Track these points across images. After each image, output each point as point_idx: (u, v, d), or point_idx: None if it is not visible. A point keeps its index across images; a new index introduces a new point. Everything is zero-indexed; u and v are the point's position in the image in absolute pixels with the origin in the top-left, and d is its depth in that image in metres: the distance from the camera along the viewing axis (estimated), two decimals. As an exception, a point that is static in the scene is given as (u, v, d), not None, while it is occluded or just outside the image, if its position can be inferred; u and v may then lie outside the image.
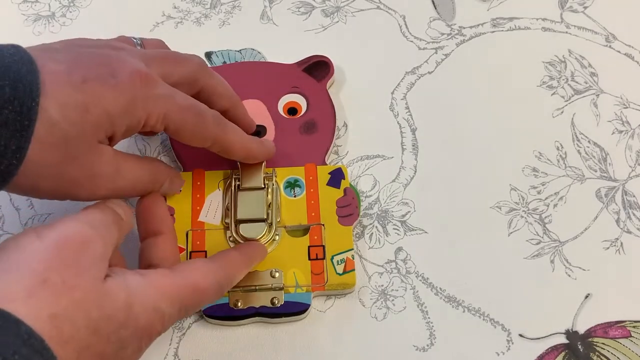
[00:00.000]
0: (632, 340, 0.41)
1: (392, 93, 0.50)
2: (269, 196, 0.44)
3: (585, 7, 0.54)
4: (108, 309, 0.30)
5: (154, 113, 0.37)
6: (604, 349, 0.41)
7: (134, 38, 0.42)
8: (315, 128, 0.47)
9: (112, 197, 0.38)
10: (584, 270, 0.43)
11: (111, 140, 0.37)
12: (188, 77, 0.40)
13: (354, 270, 0.42)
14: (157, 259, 0.37)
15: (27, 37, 0.53)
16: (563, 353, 0.41)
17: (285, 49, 0.51)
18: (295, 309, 0.41)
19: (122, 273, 0.32)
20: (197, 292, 0.34)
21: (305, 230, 0.43)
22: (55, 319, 0.27)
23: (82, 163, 0.35)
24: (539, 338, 0.41)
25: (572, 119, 0.49)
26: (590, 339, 0.41)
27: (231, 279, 0.37)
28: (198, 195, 0.44)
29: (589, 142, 0.48)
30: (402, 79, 0.51)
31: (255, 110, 0.47)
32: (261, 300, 0.41)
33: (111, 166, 0.37)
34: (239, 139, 0.41)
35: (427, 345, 0.41)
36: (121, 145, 0.48)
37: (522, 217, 0.45)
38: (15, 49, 0.34)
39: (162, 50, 0.42)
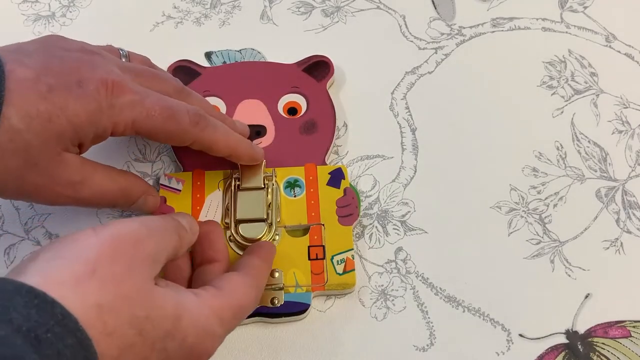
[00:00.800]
0: (632, 340, 0.41)
1: (392, 93, 0.50)
2: (269, 196, 0.44)
3: (585, 7, 0.54)
4: (155, 313, 0.29)
5: (120, 122, 0.37)
6: (604, 349, 0.41)
7: (121, 50, 0.42)
8: (315, 128, 0.47)
9: (75, 205, 0.38)
10: (584, 270, 0.43)
11: (81, 147, 0.37)
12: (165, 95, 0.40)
13: (354, 270, 0.42)
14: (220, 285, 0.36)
15: (27, 37, 0.53)
16: (563, 353, 0.41)
17: (285, 49, 0.51)
18: (295, 309, 0.41)
19: (177, 287, 0.32)
20: (242, 310, 0.35)
21: (305, 230, 0.43)
22: (100, 309, 0.27)
23: (43, 170, 0.36)
24: (539, 338, 0.41)
25: (572, 119, 0.49)
26: (590, 339, 0.41)
27: (262, 290, 0.38)
28: (198, 195, 0.44)
29: (589, 142, 0.48)
30: (402, 79, 0.51)
31: (255, 110, 0.47)
32: (261, 300, 0.41)
33: (76, 175, 0.37)
34: (221, 137, 0.41)
35: (427, 345, 0.41)
36: (122, 145, 0.48)
37: (522, 217, 0.45)
38: None
39: (142, 66, 0.42)
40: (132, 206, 0.42)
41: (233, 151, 0.42)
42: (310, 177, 0.45)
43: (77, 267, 0.28)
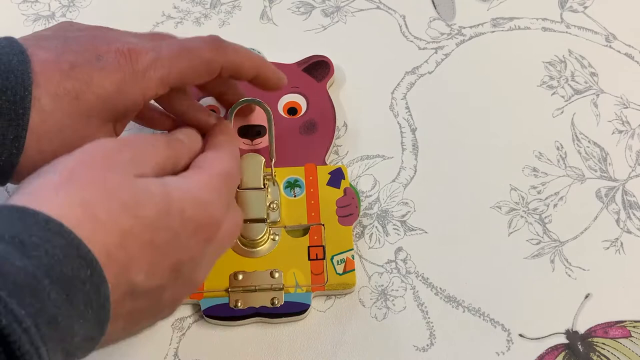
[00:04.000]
0: (632, 340, 0.41)
1: (392, 93, 0.50)
2: (269, 196, 0.44)
3: (585, 7, 0.54)
4: (143, 196, 0.29)
5: (149, 85, 0.37)
6: (604, 349, 0.41)
7: None
8: (315, 128, 0.47)
9: None
10: (584, 270, 0.43)
11: (115, 125, 0.37)
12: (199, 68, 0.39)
13: (354, 270, 0.42)
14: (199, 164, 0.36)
15: (27, 37, 0.53)
16: (563, 353, 0.41)
17: (285, 49, 0.51)
18: (295, 309, 0.41)
19: (161, 177, 0.32)
20: (229, 177, 0.34)
21: (305, 230, 0.43)
22: (86, 204, 0.27)
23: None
24: (539, 338, 0.41)
25: (572, 119, 0.49)
26: (590, 339, 0.41)
27: (237, 156, 0.38)
28: (198, 195, 0.44)
29: (589, 142, 0.48)
30: (402, 79, 0.51)
31: (256, 111, 0.47)
32: (261, 300, 0.41)
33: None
34: (245, 56, 0.40)
35: (427, 345, 0.41)
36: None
37: (522, 217, 0.45)
38: (6, 41, 0.35)
39: (153, 32, 0.42)
40: None
41: (260, 70, 0.41)
42: (310, 177, 0.45)
43: (54, 177, 0.28)
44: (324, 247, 0.43)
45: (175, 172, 0.33)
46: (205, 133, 0.41)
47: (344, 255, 0.42)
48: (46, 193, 0.28)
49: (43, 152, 0.35)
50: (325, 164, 0.46)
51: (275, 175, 0.45)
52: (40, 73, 0.34)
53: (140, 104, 0.37)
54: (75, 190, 0.28)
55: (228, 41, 0.40)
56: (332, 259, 0.42)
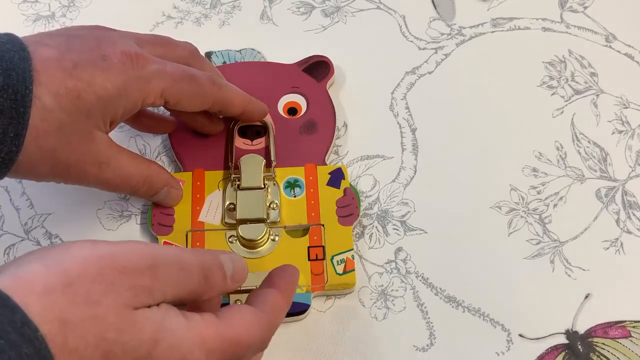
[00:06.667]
0: (632, 340, 0.41)
1: (392, 93, 0.50)
2: (269, 196, 0.44)
3: (585, 7, 0.54)
4: (128, 337, 0.27)
5: (150, 92, 0.37)
6: (604, 349, 0.41)
7: None
8: (315, 128, 0.47)
9: (99, 187, 0.39)
10: (584, 270, 0.43)
11: (111, 124, 0.38)
12: (180, 61, 0.41)
13: (354, 270, 0.42)
14: (259, 305, 0.33)
15: (27, 37, 0.53)
16: (563, 353, 0.41)
17: (285, 49, 0.51)
18: (295, 309, 0.41)
19: (167, 309, 0.29)
20: (239, 347, 0.30)
21: (305, 231, 0.43)
22: (64, 324, 0.26)
23: (75, 148, 0.36)
24: (539, 338, 0.41)
25: (572, 119, 0.49)
26: (590, 339, 0.41)
27: (275, 327, 0.33)
28: (198, 195, 0.44)
29: (589, 142, 0.48)
30: (402, 79, 0.51)
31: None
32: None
33: (102, 155, 0.38)
34: (236, 95, 0.43)
35: (427, 345, 0.41)
36: (122, 144, 0.48)
37: (522, 217, 0.45)
38: (7, 37, 0.35)
39: (155, 35, 0.43)
40: (154, 197, 0.42)
41: (247, 107, 0.43)
42: (310, 177, 0.45)
43: (53, 276, 0.26)
44: (323, 247, 0.43)
45: (195, 302, 0.31)
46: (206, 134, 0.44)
47: (344, 256, 0.42)
48: (36, 289, 0.26)
49: (42, 148, 0.35)
50: (325, 164, 0.46)
51: (275, 176, 0.45)
52: (42, 71, 0.34)
53: (137, 108, 0.38)
54: (63, 304, 0.26)
55: (224, 79, 0.43)
56: (332, 259, 0.42)
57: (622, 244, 0.44)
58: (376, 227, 0.45)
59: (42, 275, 0.26)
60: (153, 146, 0.48)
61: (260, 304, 0.33)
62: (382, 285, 0.43)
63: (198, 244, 0.43)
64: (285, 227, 0.43)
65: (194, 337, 0.29)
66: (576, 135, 0.48)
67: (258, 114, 0.45)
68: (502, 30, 0.53)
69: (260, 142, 0.46)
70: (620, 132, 0.48)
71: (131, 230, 0.45)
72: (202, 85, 0.40)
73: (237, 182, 0.44)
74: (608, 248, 0.44)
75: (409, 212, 0.45)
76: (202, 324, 0.30)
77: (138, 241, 0.30)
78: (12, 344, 0.24)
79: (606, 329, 0.41)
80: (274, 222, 0.43)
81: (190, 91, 0.39)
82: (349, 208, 0.44)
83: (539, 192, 0.46)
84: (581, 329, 0.41)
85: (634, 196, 0.46)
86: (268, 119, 0.46)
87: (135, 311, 0.28)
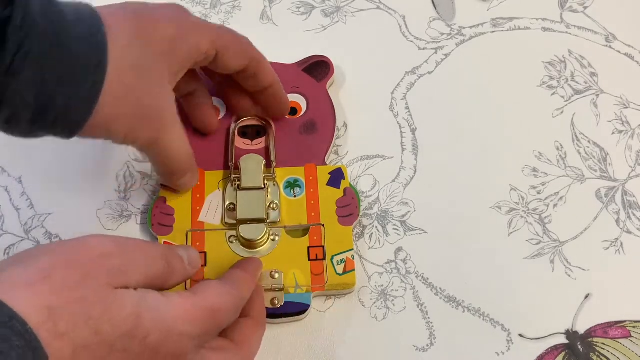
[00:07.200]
0: (632, 340, 0.41)
1: (392, 93, 0.50)
2: (269, 196, 0.44)
3: (585, 7, 0.54)
4: (112, 313, 0.29)
5: (203, 38, 0.39)
6: (604, 349, 0.41)
7: None
8: (315, 128, 0.47)
9: (159, 150, 0.40)
10: (584, 270, 0.43)
11: (171, 75, 0.39)
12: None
13: (354, 270, 0.42)
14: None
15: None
16: (563, 353, 0.41)
17: (285, 49, 0.51)
18: (295, 310, 0.41)
19: (144, 291, 0.31)
20: (215, 314, 0.33)
21: (305, 231, 0.43)
22: (51, 311, 0.27)
23: (153, 90, 0.37)
24: (539, 338, 0.41)
25: (572, 119, 0.49)
26: (590, 339, 0.41)
27: (244, 298, 0.37)
28: (198, 195, 0.44)
29: (589, 142, 0.48)
30: (402, 79, 0.51)
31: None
32: (261, 300, 0.41)
33: (173, 111, 0.39)
34: (269, 65, 0.44)
35: (427, 345, 0.41)
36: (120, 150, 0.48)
37: (522, 217, 0.45)
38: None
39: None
40: (180, 179, 0.42)
41: (277, 82, 0.45)
42: (310, 177, 0.45)
43: (32, 271, 0.28)
44: (323, 247, 0.43)
45: (163, 289, 0.33)
46: (207, 133, 0.45)
47: (344, 256, 0.42)
48: (18, 286, 0.27)
49: (124, 83, 0.36)
50: (325, 164, 0.46)
51: (275, 176, 0.45)
52: (109, 17, 0.35)
53: (195, 55, 0.39)
54: (46, 293, 0.28)
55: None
56: (332, 259, 0.42)
57: (622, 244, 0.44)
58: (376, 227, 0.45)
59: (22, 274, 0.28)
60: (153, 146, 0.48)
61: (224, 277, 0.37)
62: (382, 285, 0.43)
63: (198, 244, 0.43)
64: (285, 227, 0.43)
65: (177, 311, 0.31)
66: (576, 135, 0.48)
67: (283, 101, 0.46)
68: (502, 30, 0.53)
69: (260, 142, 0.46)
70: (620, 132, 0.48)
71: (131, 230, 0.45)
72: (242, 40, 0.42)
73: (237, 182, 0.44)
74: (608, 248, 0.44)
75: (409, 212, 0.45)
76: (180, 299, 0.32)
77: (98, 234, 0.32)
78: (3, 337, 0.25)
79: (606, 329, 0.41)
80: (274, 222, 0.43)
81: (234, 42, 0.41)
82: (349, 208, 0.44)
83: (539, 192, 0.46)
84: (581, 329, 0.41)
85: (634, 196, 0.46)
86: (271, 129, 0.47)
87: (115, 290, 0.30)
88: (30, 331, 0.26)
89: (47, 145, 0.43)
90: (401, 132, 0.49)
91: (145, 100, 0.37)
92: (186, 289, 0.36)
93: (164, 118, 0.39)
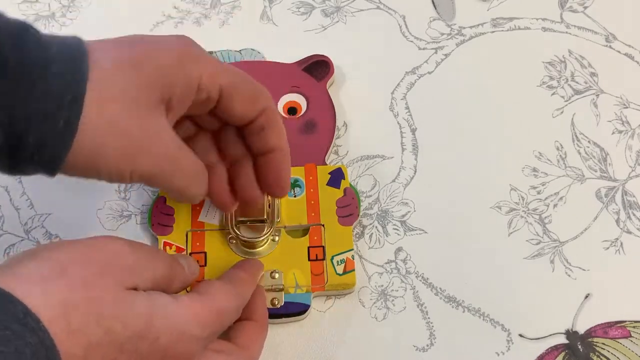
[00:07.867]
0: (632, 340, 0.41)
1: (392, 93, 0.50)
2: (269, 196, 0.44)
3: (585, 7, 0.54)
4: (125, 313, 0.29)
5: (205, 71, 0.34)
6: (604, 349, 0.41)
7: None
8: (315, 128, 0.47)
9: (165, 165, 0.34)
10: (584, 270, 0.43)
11: (170, 108, 0.34)
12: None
13: (354, 270, 0.42)
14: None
15: (27, 37, 0.53)
16: (563, 353, 0.41)
17: (285, 49, 0.51)
18: (295, 310, 0.41)
19: (155, 292, 0.32)
20: (222, 315, 0.34)
21: (305, 231, 0.43)
22: (65, 307, 0.27)
23: (144, 122, 0.33)
24: (539, 338, 0.41)
25: (572, 119, 0.49)
26: (590, 339, 0.41)
27: (245, 299, 0.37)
28: (198, 196, 0.44)
29: (589, 142, 0.48)
30: (402, 79, 0.51)
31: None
32: (261, 300, 0.41)
33: (175, 145, 0.35)
34: (283, 128, 0.38)
35: (427, 345, 0.41)
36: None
37: (522, 217, 0.45)
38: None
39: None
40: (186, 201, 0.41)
41: (285, 137, 0.38)
42: (310, 177, 0.45)
43: (48, 267, 0.28)
44: (324, 247, 0.43)
45: (166, 292, 0.33)
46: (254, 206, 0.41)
47: (344, 256, 0.42)
48: (34, 281, 0.28)
49: (105, 117, 0.31)
50: (325, 164, 0.46)
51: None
52: (98, 47, 0.32)
53: (194, 89, 0.34)
54: (61, 289, 0.28)
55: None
56: (332, 259, 0.42)
57: (622, 244, 0.44)
58: (376, 227, 0.45)
59: (37, 269, 0.28)
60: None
61: (226, 277, 0.37)
62: (382, 286, 0.43)
63: (198, 244, 0.43)
64: (285, 227, 0.43)
65: (186, 313, 0.32)
66: (576, 135, 0.48)
67: (283, 175, 0.38)
68: (502, 30, 0.53)
69: (260, 142, 0.46)
70: (620, 132, 0.48)
71: (131, 230, 0.45)
72: (256, 85, 0.36)
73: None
74: (608, 248, 0.44)
75: (409, 212, 0.45)
76: (190, 301, 0.32)
77: (109, 235, 0.32)
78: (17, 334, 0.25)
79: (606, 329, 0.41)
80: (274, 222, 0.43)
81: (244, 83, 0.36)
82: (349, 208, 0.44)
83: (539, 192, 0.46)
84: (581, 329, 0.41)
85: (634, 196, 0.46)
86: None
87: (127, 290, 0.30)
88: (44, 328, 0.26)
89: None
90: (401, 132, 0.49)
91: (134, 132, 0.33)
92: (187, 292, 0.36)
93: (161, 153, 0.34)
